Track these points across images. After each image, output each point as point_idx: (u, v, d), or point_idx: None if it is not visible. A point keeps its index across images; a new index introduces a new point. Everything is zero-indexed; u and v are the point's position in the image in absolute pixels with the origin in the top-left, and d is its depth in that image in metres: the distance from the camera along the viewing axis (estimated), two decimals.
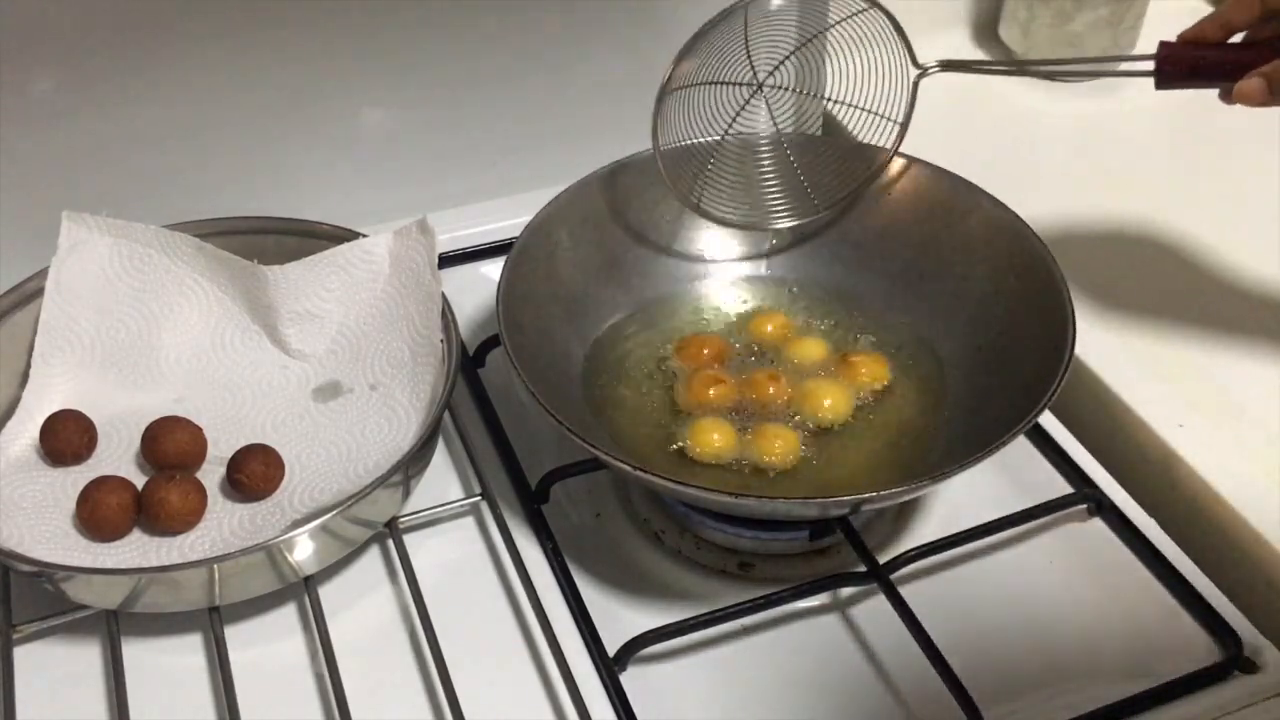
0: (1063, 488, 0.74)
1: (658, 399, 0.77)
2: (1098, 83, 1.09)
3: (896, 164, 0.82)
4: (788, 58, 0.79)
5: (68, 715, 0.64)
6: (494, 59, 0.90)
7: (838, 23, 0.78)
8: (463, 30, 0.88)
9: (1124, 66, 0.70)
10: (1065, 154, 1.02)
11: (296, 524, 0.66)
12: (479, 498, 0.73)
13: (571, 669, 0.63)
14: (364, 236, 0.79)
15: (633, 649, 0.64)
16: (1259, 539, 0.71)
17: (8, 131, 0.79)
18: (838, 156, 0.82)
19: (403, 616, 0.68)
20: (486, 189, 0.95)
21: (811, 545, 0.72)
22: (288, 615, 0.68)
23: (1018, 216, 0.77)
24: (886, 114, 0.80)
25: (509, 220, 0.88)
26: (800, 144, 0.83)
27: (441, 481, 0.75)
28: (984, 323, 0.77)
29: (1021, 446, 0.76)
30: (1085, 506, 0.73)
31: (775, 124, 0.82)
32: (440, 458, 0.77)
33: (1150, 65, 0.70)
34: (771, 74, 0.79)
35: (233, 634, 0.66)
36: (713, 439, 0.73)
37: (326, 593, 0.68)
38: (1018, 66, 0.73)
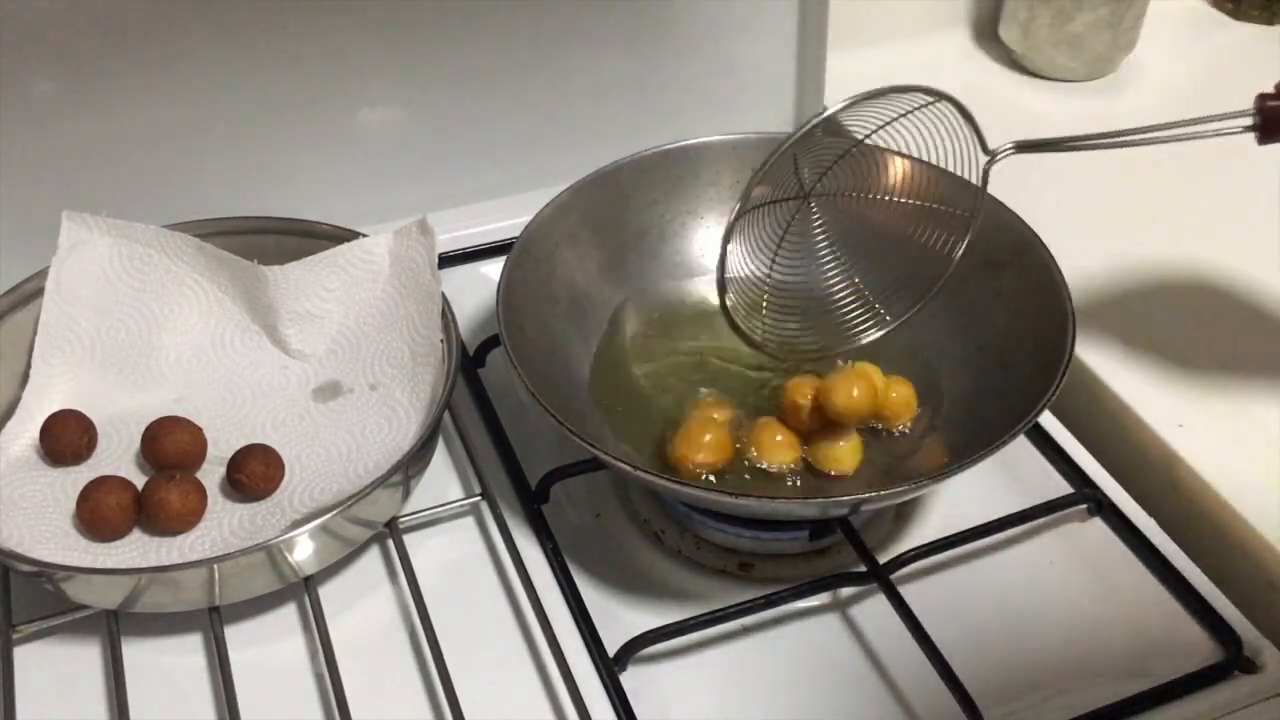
0: (1063, 488, 0.74)
1: (658, 398, 0.76)
2: (1098, 83, 1.10)
3: (897, 165, 0.82)
4: (836, 162, 0.72)
5: (68, 715, 0.64)
6: (494, 59, 0.90)
7: (898, 117, 0.70)
8: (463, 30, 0.88)
9: (1219, 126, 0.66)
10: (1065, 154, 1.02)
11: (296, 524, 0.66)
12: (479, 498, 0.73)
13: (571, 669, 0.63)
14: (364, 236, 0.79)
15: (633, 649, 0.64)
16: (1259, 539, 0.71)
17: (8, 131, 0.79)
18: (906, 257, 0.75)
19: (403, 616, 0.68)
20: (486, 189, 0.95)
21: (811, 545, 0.72)
22: (288, 615, 0.68)
23: (1018, 217, 0.77)
24: (955, 207, 0.73)
25: (509, 220, 0.88)
26: (860, 252, 0.76)
27: (441, 481, 0.75)
28: (984, 323, 0.77)
29: (1021, 446, 0.76)
30: (1085, 506, 0.73)
31: (830, 235, 0.75)
32: (440, 458, 0.77)
33: (1249, 121, 0.66)
34: (820, 180, 0.72)
35: (233, 634, 0.66)
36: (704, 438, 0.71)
37: (326, 593, 0.68)
38: (1098, 140, 0.69)
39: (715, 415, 0.73)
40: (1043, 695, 0.65)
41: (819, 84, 0.99)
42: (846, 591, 0.69)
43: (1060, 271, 0.73)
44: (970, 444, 0.65)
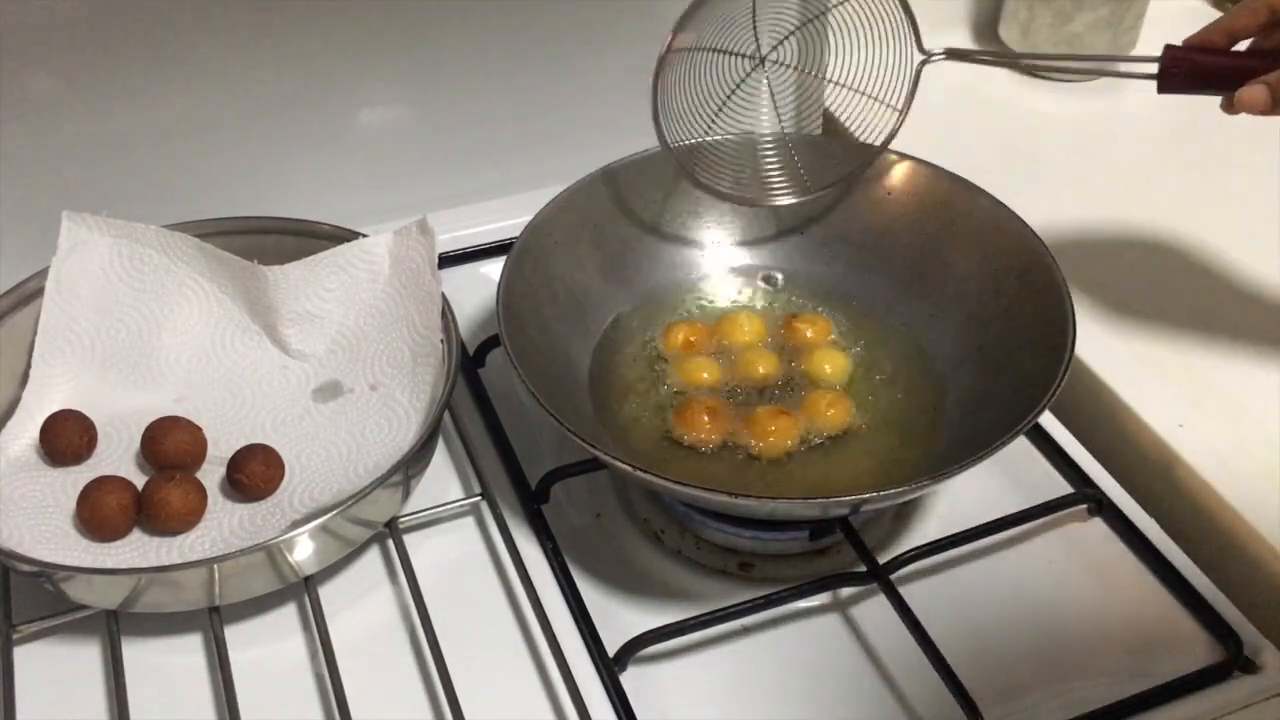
0: (1063, 488, 0.74)
1: (658, 398, 0.76)
2: (1098, 83, 1.10)
3: (897, 165, 0.82)
4: (792, 33, 0.78)
5: (68, 715, 0.64)
6: (494, 59, 0.90)
7: (841, 2, 0.77)
8: (463, 30, 0.88)
9: (1127, 67, 0.70)
10: (1065, 154, 1.02)
11: (296, 524, 0.66)
12: (479, 498, 0.73)
13: (571, 669, 0.63)
14: (364, 236, 0.79)
15: (633, 649, 0.64)
16: (1259, 539, 0.71)
17: (8, 131, 0.79)
18: (837, 137, 0.82)
19: (403, 616, 0.68)
20: (486, 189, 0.95)
21: (811, 545, 0.72)
22: (288, 615, 0.68)
23: (1018, 216, 0.77)
24: (887, 100, 0.79)
25: (509, 220, 0.88)
26: (799, 121, 0.84)
27: (441, 481, 0.75)
28: (984, 323, 0.77)
29: (1021, 446, 0.76)
30: (1085, 506, 0.73)
31: (775, 102, 0.81)
32: (440, 458, 0.77)
33: (1154, 68, 0.70)
34: (775, 49, 0.78)
35: (233, 634, 0.66)
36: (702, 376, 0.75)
37: (326, 593, 0.68)
38: (1022, 60, 0.73)
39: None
40: (1043, 695, 0.65)
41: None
42: (846, 591, 0.69)
43: (1060, 271, 0.73)
44: (970, 444, 0.65)
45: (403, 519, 0.71)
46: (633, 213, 0.82)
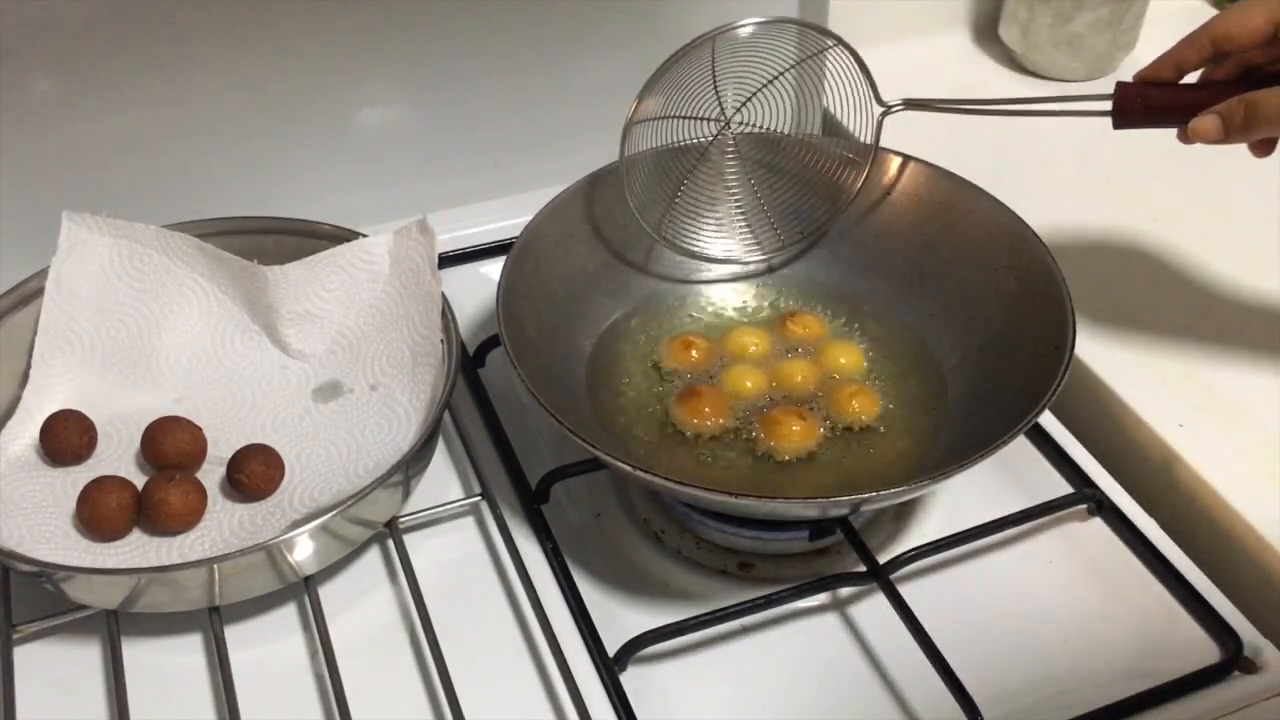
0: (1063, 488, 0.74)
1: (658, 398, 0.76)
2: (1098, 83, 1.10)
3: (897, 165, 0.82)
4: (753, 95, 0.80)
5: (68, 715, 0.64)
6: (494, 59, 0.90)
7: (803, 60, 0.79)
8: (463, 30, 0.88)
9: (1083, 106, 0.71)
10: (1065, 155, 1.02)
11: (296, 524, 0.66)
12: (479, 498, 0.73)
13: (571, 669, 0.63)
14: (364, 236, 0.79)
15: (633, 649, 0.64)
16: (1259, 539, 0.71)
17: (8, 131, 0.79)
18: (807, 191, 0.83)
19: (403, 616, 0.68)
20: (486, 189, 0.95)
21: (811, 545, 0.72)
22: (288, 615, 0.68)
23: (1018, 216, 0.77)
24: (853, 151, 0.81)
25: (509, 220, 0.88)
26: (769, 180, 0.83)
27: (441, 481, 0.75)
28: (984, 323, 0.77)
29: (1021, 446, 0.76)
30: (1085, 506, 0.73)
31: (743, 161, 0.83)
32: (440, 458, 0.77)
33: (1108, 105, 0.70)
34: (739, 110, 0.80)
35: (233, 634, 0.66)
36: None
37: (326, 593, 0.68)
38: (978, 105, 0.75)
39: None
40: (1043, 695, 0.65)
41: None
42: (846, 591, 0.69)
43: (1060, 271, 0.73)
44: (970, 444, 0.65)
45: (403, 519, 0.71)
46: (633, 213, 0.82)
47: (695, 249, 0.83)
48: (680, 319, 0.82)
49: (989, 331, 0.76)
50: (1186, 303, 0.86)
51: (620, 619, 0.68)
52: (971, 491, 0.74)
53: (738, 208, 0.84)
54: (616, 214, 0.81)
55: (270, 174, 0.89)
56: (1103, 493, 0.74)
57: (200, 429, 0.73)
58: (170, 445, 0.71)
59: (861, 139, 0.81)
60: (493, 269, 0.79)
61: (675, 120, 0.79)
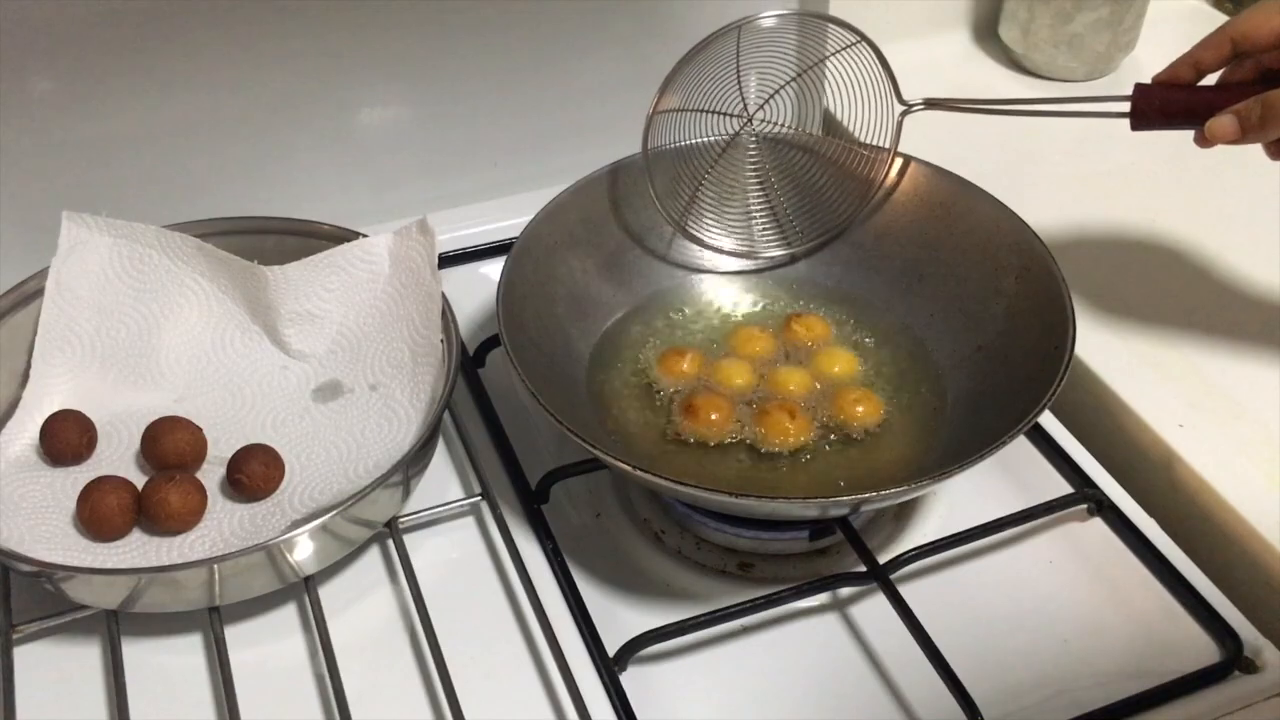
0: (1063, 488, 0.74)
1: (658, 397, 0.76)
2: (1098, 83, 1.10)
3: (897, 165, 0.82)
4: (776, 92, 0.80)
5: (68, 715, 0.64)
6: (494, 59, 0.90)
7: (826, 57, 0.79)
8: (463, 30, 0.88)
9: (1101, 107, 0.72)
10: (1065, 155, 1.02)
11: (296, 524, 0.66)
12: (479, 498, 0.73)
13: (571, 669, 0.63)
14: (364, 236, 0.79)
15: (633, 649, 0.64)
16: (1259, 539, 0.71)
17: (8, 131, 0.79)
18: (826, 189, 0.83)
19: (403, 616, 0.68)
20: (486, 189, 0.95)
21: (811, 545, 0.72)
22: (288, 615, 0.68)
23: (1018, 217, 0.77)
24: (873, 148, 0.81)
25: (509, 220, 0.88)
26: (789, 176, 0.83)
27: (441, 481, 0.75)
28: (984, 323, 0.77)
29: (1021, 446, 0.76)
30: (1085, 506, 0.73)
31: (763, 157, 0.83)
32: (440, 458, 0.77)
33: (1125, 107, 0.71)
34: (761, 108, 0.80)
35: (233, 634, 0.66)
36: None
37: (326, 593, 0.68)
38: (996, 105, 0.76)
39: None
40: (1043, 695, 0.65)
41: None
42: (846, 591, 0.69)
43: (1060, 271, 0.73)
44: (970, 444, 0.65)
45: (403, 519, 0.71)
46: (633, 212, 0.82)
47: (713, 242, 0.83)
48: (679, 318, 0.82)
49: (989, 331, 0.76)
50: (1187, 302, 0.86)
51: (620, 619, 0.68)
52: (971, 491, 0.74)
53: (758, 205, 0.84)
54: (617, 214, 0.81)
55: (270, 174, 0.89)
56: (1103, 493, 0.74)
57: (200, 429, 0.73)
58: (170, 445, 0.71)
59: (877, 138, 0.80)
60: (493, 269, 0.79)
61: (698, 114, 0.80)
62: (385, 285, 0.79)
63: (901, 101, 0.78)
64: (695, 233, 0.82)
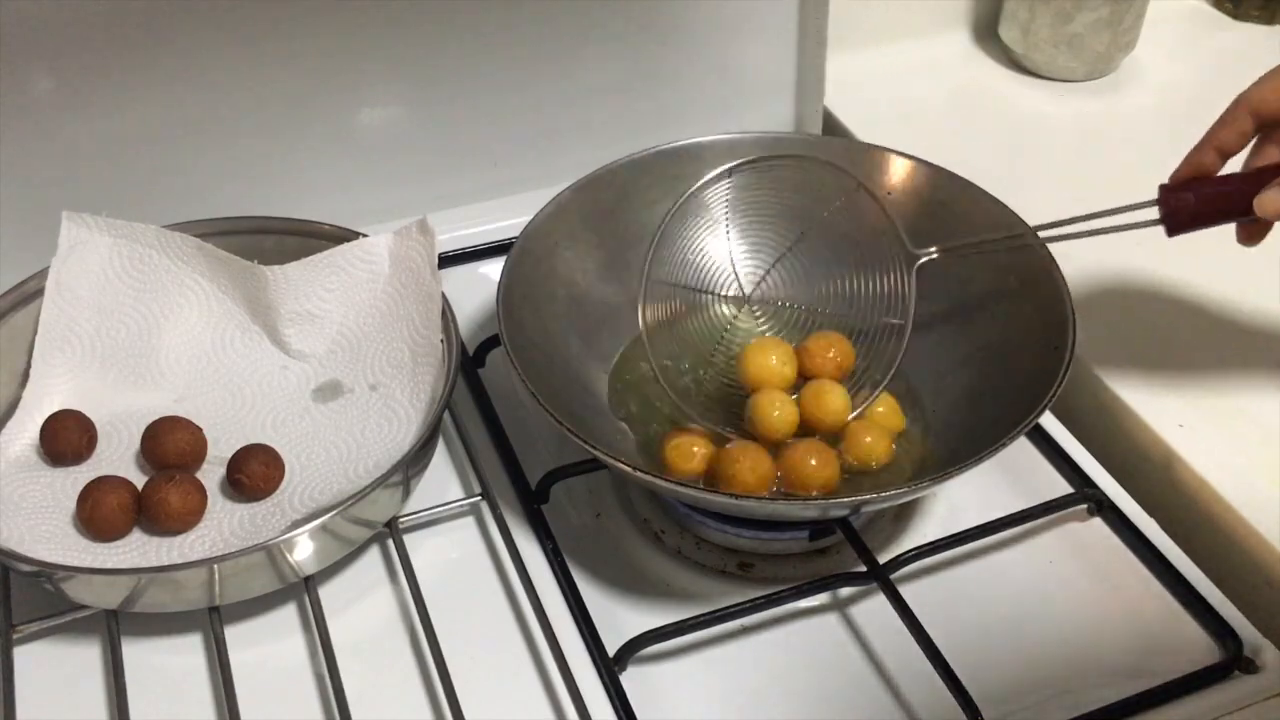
0: (1063, 488, 0.74)
1: (657, 397, 0.76)
2: (1098, 83, 1.10)
3: (897, 165, 0.82)
4: (774, 265, 0.77)
5: (68, 715, 0.64)
6: (494, 58, 0.90)
7: (825, 213, 0.75)
8: (463, 30, 0.88)
9: (1128, 220, 0.68)
10: (1066, 154, 1.02)
11: (296, 524, 0.66)
12: (479, 498, 0.73)
13: (571, 669, 0.63)
14: (364, 236, 0.79)
15: (633, 649, 0.64)
16: (1259, 539, 0.71)
17: (8, 131, 0.79)
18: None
19: (403, 616, 0.68)
20: (486, 189, 0.95)
21: (811, 545, 0.72)
22: (288, 615, 0.68)
23: (1018, 216, 0.77)
24: (888, 314, 0.75)
25: (509, 220, 0.88)
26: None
27: (441, 481, 0.75)
28: (984, 323, 0.77)
29: (1021, 446, 0.76)
30: (1085, 506, 0.73)
31: (770, 323, 0.79)
32: (440, 458, 0.77)
33: (1155, 213, 0.68)
34: (758, 286, 0.78)
35: (233, 634, 0.66)
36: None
37: (326, 593, 0.68)
38: (1018, 237, 0.73)
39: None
40: (1043, 695, 0.65)
41: (819, 84, 0.99)
42: (846, 591, 0.69)
43: (1060, 271, 0.73)
44: (970, 444, 0.65)
45: (403, 519, 0.71)
46: (633, 212, 0.82)
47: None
48: (681, 317, 0.82)
49: (989, 331, 0.76)
50: (1186, 302, 0.86)
51: (620, 619, 0.68)
52: (971, 492, 0.74)
53: None
54: (617, 214, 0.81)
55: (270, 174, 0.89)
56: (1103, 493, 0.74)
57: (200, 429, 0.73)
58: (170, 445, 0.71)
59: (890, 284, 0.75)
60: (493, 269, 0.79)
61: (690, 292, 0.76)
62: (385, 285, 0.79)
63: (909, 252, 0.74)
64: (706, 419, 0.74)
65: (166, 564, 0.66)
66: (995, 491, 0.74)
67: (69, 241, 0.76)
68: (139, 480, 0.70)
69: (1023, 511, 0.72)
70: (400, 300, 0.78)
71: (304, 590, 0.68)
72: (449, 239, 0.88)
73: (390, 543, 0.71)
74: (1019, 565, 0.71)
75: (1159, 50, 1.11)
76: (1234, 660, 0.65)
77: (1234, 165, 0.70)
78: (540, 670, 0.65)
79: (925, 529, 0.74)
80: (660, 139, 0.82)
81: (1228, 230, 0.91)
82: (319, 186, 0.90)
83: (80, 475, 0.71)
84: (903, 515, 0.75)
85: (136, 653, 0.66)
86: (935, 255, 0.74)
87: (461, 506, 0.74)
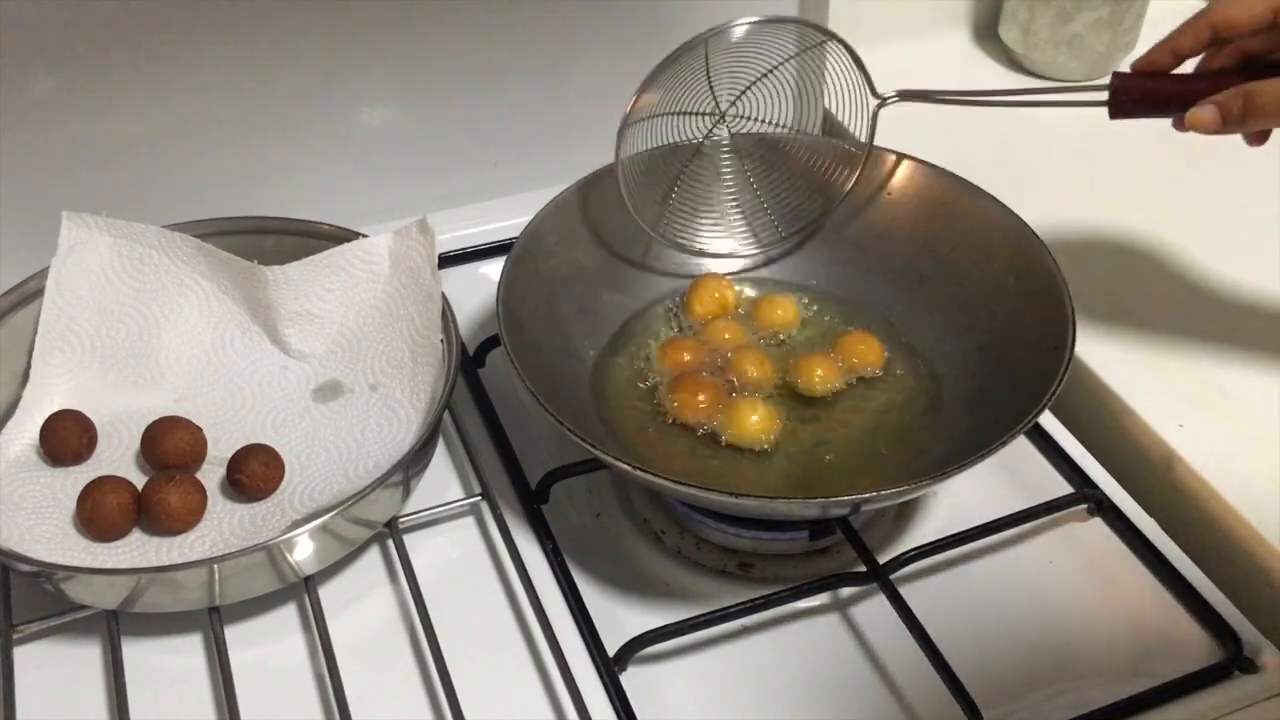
0: (1063, 488, 0.74)
1: (658, 397, 0.76)
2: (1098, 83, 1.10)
3: (897, 164, 0.82)
4: (748, 88, 0.80)
5: (68, 715, 0.64)
6: (494, 59, 0.90)
7: (796, 55, 0.79)
8: (463, 30, 0.88)
9: (1080, 96, 0.71)
10: (1065, 154, 1.02)
11: (296, 524, 0.66)
12: (479, 498, 0.73)
13: (571, 669, 0.63)
14: (364, 236, 0.79)
15: (633, 649, 0.64)
16: (1259, 539, 0.71)
17: (8, 131, 0.79)
18: (803, 188, 0.83)
19: (403, 616, 0.68)
20: (486, 189, 0.95)
21: (811, 545, 0.72)
22: (288, 615, 0.68)
23: (1017, 216, 0.77)
24: (849, 143, 0.81)
25: (509, 220, 0.88)
26: (765, 176, 0.83)
27: (441, 481, 0.75)
28: (984, 323, 0.77)
29: (1021, 446, 0.76)
30: (1085, 506, 0.73)
31: (739, 158, 0.83)
32: (440, 458, 0.77)
33: (1104, 95, 0.70)
34: (733, 104, 0.80)
35: (233, 634, 0.66)
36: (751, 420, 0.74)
37: (326, 593, 0.68)
38: (973, 96, 0.76)
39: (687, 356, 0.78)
40: (1043, 695, 0.65)
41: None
42: (846, 591, 0.69)
43: (1060, 271, 0.73)
44: (970, 444, 0.65)
45: (403, 519, 0.71)
46: (630, 211, 0.82)
47: (692, 245, 0.83)
48: (680, 317, 0.82)
49: (989, 331, 0.76)
50: (1186, 302, 0.86)
51: (620, 619, 0.68)
52: (971, 491, 0.74)
53: (734, 204, 0.84)
54: (616, 213, 0.81)
55: (270, 174, 0.89)
56: (1103, 493, 0.74)
57: (200, 429, 0.73)
58: (170, 445, 0.71)
59: (858, 134, 0.80)
60: (493, 269, 0.79)
61: (671, 117, 0.79)
62: (385, 285, 0.79)
63: (875, 95, 0.78)
64: (672, 237, 0.82)
65: (166, 564, 0.66)
66: (995, 491, 0.74)
67: (69, 241, 0.76)
68: (139, 480, 0.70)
69: (1023, 511, 0.72)
70: (400, 300, 0.78)
71: (304, 590, 0.68)
72: (449, 239, 0.88)
73: (390, 543, 0.71)
74: (1019, 565, 0.71)
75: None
76: (1234, 660, 0.65)
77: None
78: (540, 670, 0.65)
79: (925, 529, 0.74)
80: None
81: (1228, 230, 0.91)
82: (319, 186, 0.91)
83: (80, 475, 0.71)
84: (903, 515, 0.75)
85: (136, 653, 0.66)
86: (896, 100, 0.78)
87: (461, 506, 0.74)
